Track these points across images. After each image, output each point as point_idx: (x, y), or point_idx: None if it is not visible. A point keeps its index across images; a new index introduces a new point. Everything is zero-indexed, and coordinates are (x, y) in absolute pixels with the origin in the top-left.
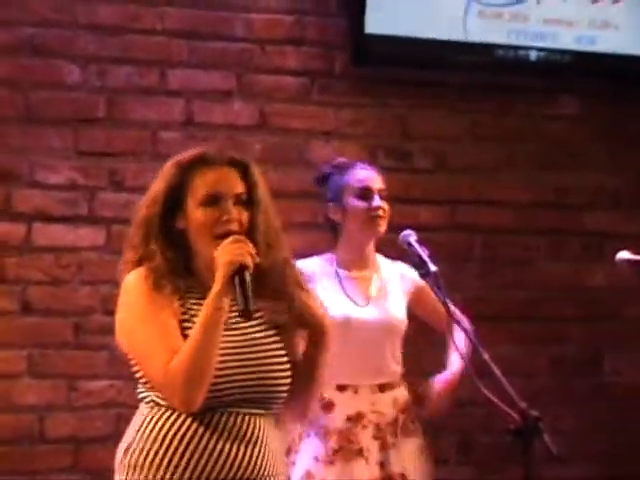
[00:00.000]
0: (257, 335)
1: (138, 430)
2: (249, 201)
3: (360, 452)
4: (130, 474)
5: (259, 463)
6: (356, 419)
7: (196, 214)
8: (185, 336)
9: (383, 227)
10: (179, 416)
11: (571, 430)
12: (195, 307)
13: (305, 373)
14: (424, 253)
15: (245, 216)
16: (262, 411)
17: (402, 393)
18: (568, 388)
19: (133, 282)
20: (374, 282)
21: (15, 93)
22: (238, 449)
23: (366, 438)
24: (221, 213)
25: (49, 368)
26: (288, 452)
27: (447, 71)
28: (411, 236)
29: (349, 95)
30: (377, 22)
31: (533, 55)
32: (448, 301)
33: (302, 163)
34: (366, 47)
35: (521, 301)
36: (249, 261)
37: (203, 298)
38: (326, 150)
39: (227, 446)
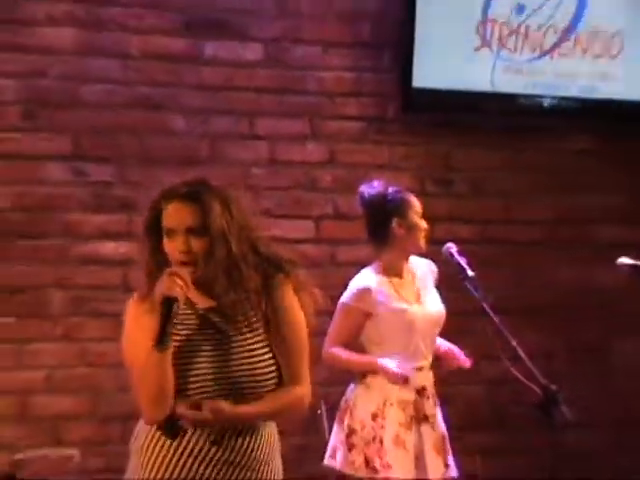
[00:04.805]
0: (225, 347)
1: None
2: (205, 230)
3: (426, 418)
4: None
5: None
6: (422, 392)
7: (165, 245)
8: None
9: None
10: None
11: (584, 402)
12: (179, 323)
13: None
14: (463, 262)
15: (198, 245)
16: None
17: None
18: (582, 366)
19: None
20: (416, 283)
21: (134, 139)
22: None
23: (430, 407)
24: (176, 244)
25: None
26: (345, 411)
27: (479, 116)
28: (452, 248)
29: (400, 136)
30: (422, 77)
31: (547, 102)
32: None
33: None
34: (413, 97)
35: (544, 299)
36: (176, 292)
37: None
38: (383, 180)
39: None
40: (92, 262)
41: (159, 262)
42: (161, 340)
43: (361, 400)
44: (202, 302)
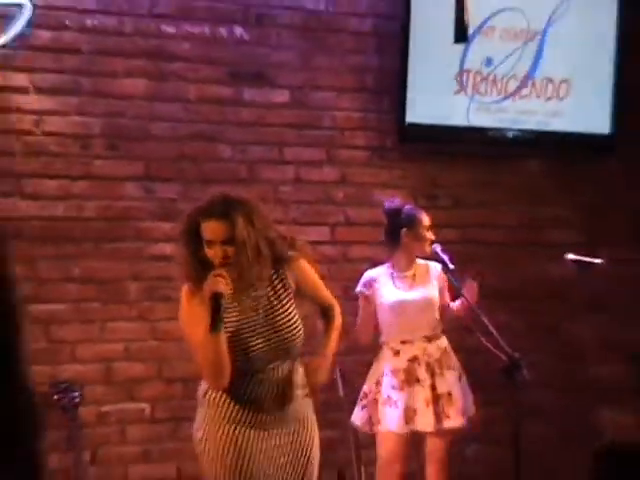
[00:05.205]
0: (269, 310)
1: None
2: (234, 241)
3: (418, 380)
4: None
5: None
6: (413, 360)
7: (206, 250)
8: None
9: None
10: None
11: (540, 368)
12: (229, 310)
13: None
14: (446, 258)
15: (231, 251)
16: (280, 361)
17: (443, 341)
18: (539, 340)
19: (182, 294)
20: (416, 277)
21: (192, 164)
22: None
23: (421, 371)
24: (215, 252)
25: None
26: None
27: (459, 145)
28: (438, 247)
29: (398, 162)
30: (414, 115)
31: (510, 134)
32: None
33: (370, 204)
34: (407, 131)
35: (510, 287)
36: (221, 289)
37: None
38: (385, 196)
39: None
40: (160, 259)
41: (200, 262)
42: (214, 327)
43: (372, 372)
44: (242, 291)
